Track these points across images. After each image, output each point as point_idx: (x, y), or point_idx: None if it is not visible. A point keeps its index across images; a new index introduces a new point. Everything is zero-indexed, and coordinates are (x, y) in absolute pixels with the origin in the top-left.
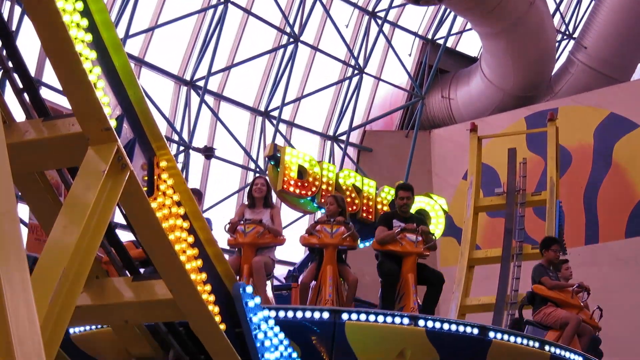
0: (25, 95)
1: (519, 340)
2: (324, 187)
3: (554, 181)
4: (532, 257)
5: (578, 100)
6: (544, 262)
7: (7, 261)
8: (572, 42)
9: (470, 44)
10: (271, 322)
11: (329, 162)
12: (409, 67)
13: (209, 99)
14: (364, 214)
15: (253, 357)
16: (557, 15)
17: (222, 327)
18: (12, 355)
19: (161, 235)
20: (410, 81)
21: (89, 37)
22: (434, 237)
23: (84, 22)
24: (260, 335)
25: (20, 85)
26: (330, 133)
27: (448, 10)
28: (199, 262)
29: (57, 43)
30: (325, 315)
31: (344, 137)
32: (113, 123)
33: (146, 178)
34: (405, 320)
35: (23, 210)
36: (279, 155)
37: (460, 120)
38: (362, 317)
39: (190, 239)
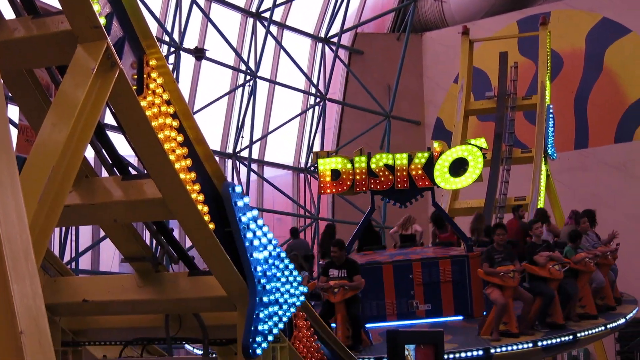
0: None
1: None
2: (357, 177)
3: (545, 85)
4: (521, 160)
5: (571, 4)
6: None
7: None
8: None
9: None
10: (260, 221)
11: (320, 70)
12: None
13: None
14: (399, 185)
15: (242, 256)
16: None
17: (211, 226)
18: (1, 253)
19: (150, 133)
20: None
21: None
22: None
23: None
24: (249, 235)
25: None
26: (322, 35)
27: None
28: (188, 162)
29: None
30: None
31: (335, 40)
32: (102, 21)
33: (136, 76)
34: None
35: (13, 111)
36: (316, 165)
37: (452, 23)
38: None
39: (180, 138)
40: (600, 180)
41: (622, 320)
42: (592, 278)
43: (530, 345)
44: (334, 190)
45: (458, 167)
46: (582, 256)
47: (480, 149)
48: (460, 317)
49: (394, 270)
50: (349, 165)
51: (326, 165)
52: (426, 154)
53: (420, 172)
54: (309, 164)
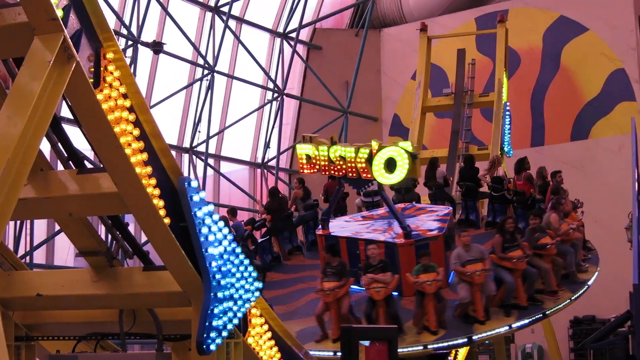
0: None
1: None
2: (321, 163)
3: (502, 83)
4: (478, 157)
5: (528, 2)
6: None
7: None
8: None
9: None
10: (215, 216)
11: (277, 65)
12: None
13: None
14: (349, 175)
15: (197, 251)
16: None
17: (167, 221)
18: None
19: (106, 127)
20: None
21: None
22: None
23: None
24: (205, 230)
25: None
26: (280, 30)
27: None
28: (144, 156)
29: None
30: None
31: (293, 35)
32: (60, 13)
33: (92, 69)
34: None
35: None
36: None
37: (410, 19)
38: None
39: (136, 132)
40: None
41: (585, 287)
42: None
43: (507, 328)
44: (307, 170)
45: (390, 164)
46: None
47: (407, 151)
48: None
49: (347, 244)
50: (316, 152)
51: (301, 150)
52: (367, 151)
53: (364, 165)
54: (194, 144)
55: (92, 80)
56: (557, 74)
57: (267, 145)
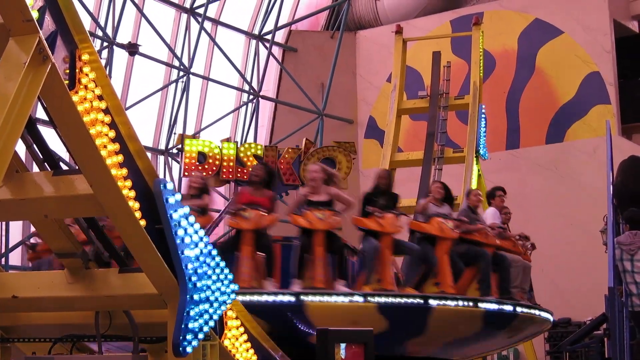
0: None
1: (457, 302)
2: (224, 164)
3: (477, 85)
4: (453, 160)
5: (504, 5)
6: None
7: None
8: None
9: None
10: (192, 218)
11: (253, 67)
12: None
13: None
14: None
15: (173, 253)
16: None
17: (142, 223)
18: None
19: (82, 129)
20: None
21: None
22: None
23: None
24: (181, 232)
25: None
26: (256, 32)
27: None
28: (120, 158)
29: None
30: (290, 298)
31: (269, 37)
32: (35, 14)
33: (67, 71)
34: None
35: None
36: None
37: (386, 22)
38: (321, 297)
39: (112, 134)
40: (532, 181)
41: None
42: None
43: (471, 304)
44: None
45: (330, 164)
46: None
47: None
48: None
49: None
50: (216, 150)
51: (193, 147)
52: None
53: (289, 166)
54: (170, 146)
55: (67, 81)
56: (532, 77)
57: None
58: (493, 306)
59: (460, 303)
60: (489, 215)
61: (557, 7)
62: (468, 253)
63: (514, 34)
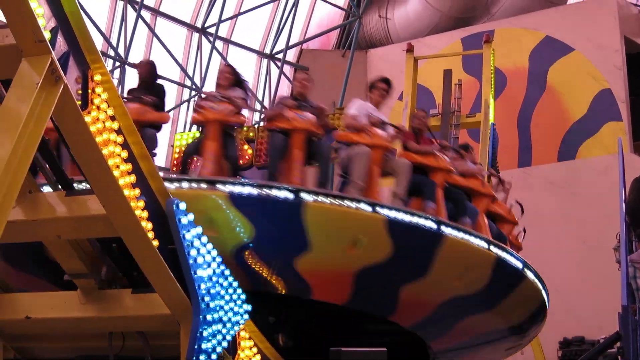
0: None
1: (471, 238)
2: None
3: (489, 103)
4: None
5: (514, 23)
6: None
7: None
8: None
9: None
10: (204, 238)
11: (265, 86)
12: None
13: (145, 14)
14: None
15: (186, 274)
16: None
17: (155, 243)
18: None
19: (95, 149)
20: (348, 0)
21: None
22: None
23: None
24: (193, 252)
25: None
26: (267, 51)
27: None
28: (133, 178)
29: None
30: (288, 194)
31: (280, 56)
32: (47, 35)
33: (80, 92)
34: (367, 207)
35: None
36: None
37: (397, 40)
38: (325, 199)
39: (124, 154)
40: (544, 199)
41: None
42: None
43: (485, 245)
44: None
45: None
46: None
47: None
48: None
49: None
50: None
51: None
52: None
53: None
54: None
55: (79, 102)
56: (544, 94)
57: None
58: (506, 255)
59: (475, 240)
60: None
61: (567, 24)
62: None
63: (525, 52)
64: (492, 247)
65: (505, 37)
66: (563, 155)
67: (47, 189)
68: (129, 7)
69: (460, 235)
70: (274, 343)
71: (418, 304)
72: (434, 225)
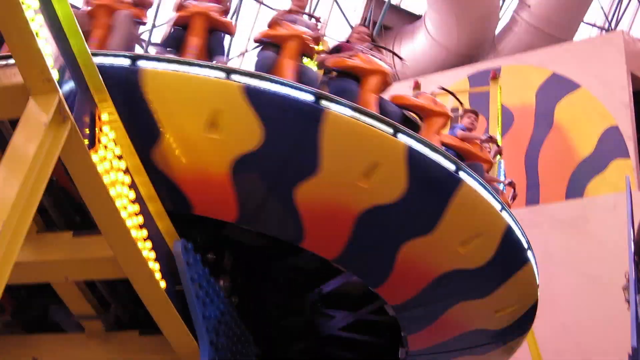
0: None
1: (366, 119)
2: None
3: (496, 140)
4: None
5: (521, 60)
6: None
7: None
8: (515, 0)
9: (415, 1)
10: (212, 279)
11: None
12: (354, 23)
13: None
14: None
15: (193, 315)
16: None
17: (163, 284)
18: None
19: (102, 190)
20: None
21: None
22: None
23: None
24: (201, 294)
25: None
26: None
27: None
28: (140, 219)
29: None
30: (123, 61)
31: None
32: (55, 74)
33: (87, 131)
34: (219, 74)
35: None
36: None
37: (403, 77)
38: (167, 65)
39: (132, 195)
40: (552, 237)
41: None
42: None
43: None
44: None
45: None
46: None
47: None
48: None
49: None
50: None
51: None
52: None
53: None
54: None
55: (87, 141)
56: (551, 132)
57: None
58: (515, 226)
59: (488, 197)
60: None
61: (574, 61)
62: None
63: (532, 89)
64: (504, 212)
65: (512, 74)
66: (571, 193)
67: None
68: None
69: (476, 185)
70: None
71: (414, 272)
72: (452, 167)
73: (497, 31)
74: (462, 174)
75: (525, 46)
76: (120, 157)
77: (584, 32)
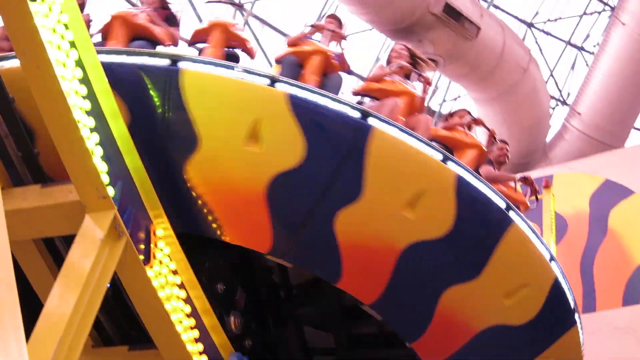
0: (23, 160)
1: (415, 142)
2: None
3: (551, 248)
4: None
5: (573, 167)
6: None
7: (3, 329)
8: (566, 108)
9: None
10: None
11: None
12: None
13: None
14: None
15: None
16: (551, 81)
17: None
18: None
19: (157, 304)
20: None
21: (87, 104)
22: None
23: (83, 90)
24: None
25: (19, 152)
26: None
27: (442, 77)
28: (196, 333)
29: (56, 110)
30: (163, 61)
31: None
32: (111, 191)
33: (143, 246)
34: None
35: None
36: None
37: None
38: (210, 68)
39: (187, 309)
40: (609, 345)
41: None
42: None
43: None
44: None
45: None
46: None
47: None
48: None
49: None
50: None
51: None
52: None
53: None
54: None
55: (142, 257)
56: (606, 238)
57: None
58: (563, 280)
59: (538, 244)
60: None
61: (626, 167)
62: None
63: (585, 196)
64: (553, 263)
65: (564, 181)
66: (628, 300)
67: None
68: None
69: (526, 228)
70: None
71: (454, 325)
72: (502, 204)
73: (548, 139)
74: (512, 214)
75: (577, 153)
76: (175, 272)
77: (635, 138)
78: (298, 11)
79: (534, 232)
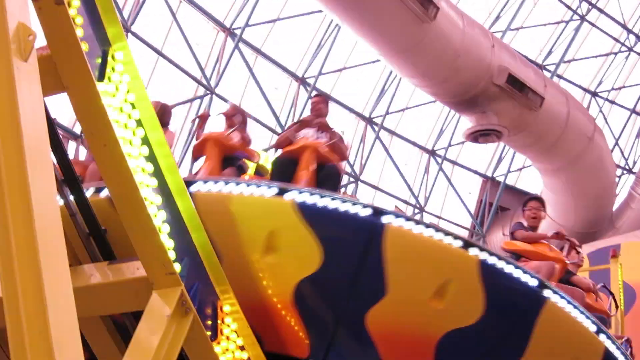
0: (91, 238)
1: (432, 232)
2: None
3: (619, 319)
4: None
5: None
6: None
7: None
8: (632, 176)
9: (531, 180)
10: None
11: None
12: (470, 205)
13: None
14: None
15: None
16: (617, 150)
17: None
18: None
19: None
20: (472, 219)
21: (154, 181)
22: None
23: (149, 167)
24: None
25: (87, 230)
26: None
27: (507, 147)
28: None
29: (123, 188)
30: (366, 211)
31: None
32: (177, 267)
33: (210, 322)
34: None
35: None
36: None
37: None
38: (410, 225)
39: None
40: None
41: None
42: None
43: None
44: None
45: None
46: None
47: None
48: None
49: None
50: None
51: None
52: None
53: None
54: None
55: (209, 333)
56: None
57: None
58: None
59: (581, 318)
60: None
61: None
62: None
63: None
64: (602, 335)
65: (632, 250)
66: None
67: None
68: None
69: (564, 304)
70: None
71: (389, 320)
72: (534, 282)
73: (614, 208)
74: (546, 292)
75: None
76: (242, 348)
77: None
78: (292, 38)
79: (575, 306)
